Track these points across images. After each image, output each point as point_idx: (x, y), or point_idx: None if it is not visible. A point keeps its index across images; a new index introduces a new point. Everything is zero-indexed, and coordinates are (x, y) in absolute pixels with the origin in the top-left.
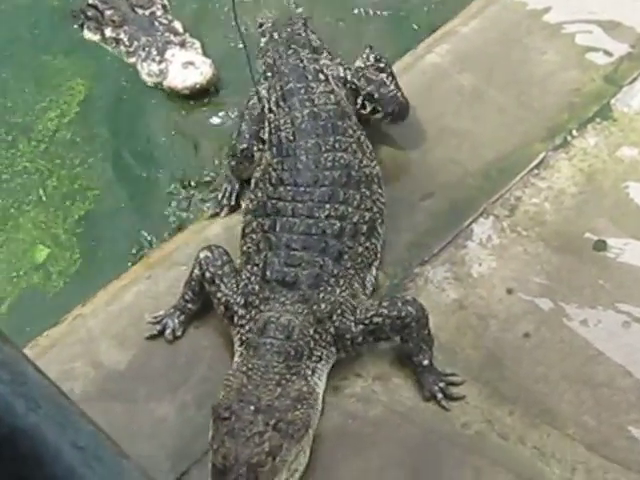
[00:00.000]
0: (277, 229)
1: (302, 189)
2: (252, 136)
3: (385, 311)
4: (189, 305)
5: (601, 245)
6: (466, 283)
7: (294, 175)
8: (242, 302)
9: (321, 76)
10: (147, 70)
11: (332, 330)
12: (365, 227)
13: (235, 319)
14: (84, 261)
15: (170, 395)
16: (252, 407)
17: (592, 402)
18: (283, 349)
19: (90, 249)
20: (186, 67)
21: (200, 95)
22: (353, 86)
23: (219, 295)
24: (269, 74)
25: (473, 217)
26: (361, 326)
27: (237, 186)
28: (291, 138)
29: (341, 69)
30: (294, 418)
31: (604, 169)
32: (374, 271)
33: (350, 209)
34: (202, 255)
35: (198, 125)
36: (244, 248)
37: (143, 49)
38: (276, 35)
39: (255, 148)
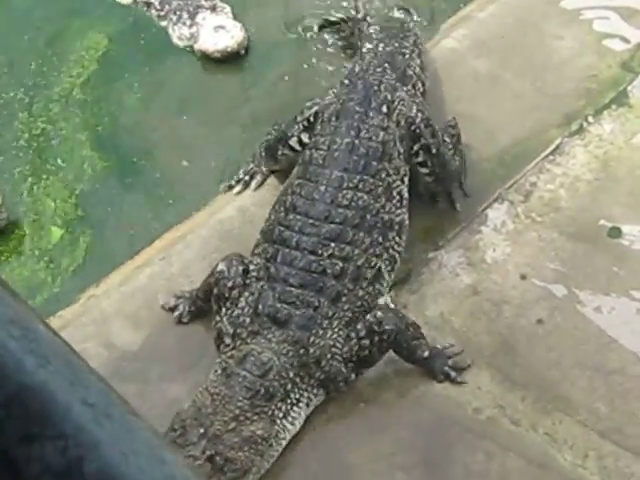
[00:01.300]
0: (278, 260)
1: (311, 222)
2: (280, 139)
3: (367, 342)
4: (199, 302)
5: (615, 232)
6: (480, 268)
7: (308, 205)
8: (231, 332)
9: (384, 108)
10: (178, 34)
11: (320, 375)
12: (369, 272)
13: (221, 347)
14: (100, 238)
15: (182, 376)
16: (201, 430)
17: (605, 389)
18: (253, 386)
19: (107, 224)
20: (217, 31)
21: (230, 58)
22: (417, 130)
23: (217, 319)
24: (346, 81)
25: (488, 202)
26: (351, 364)
27: (263, 169)
28: (320, 162)
29: (414, 109)
30: (235, 457)
31: (619, 156)
32: None
33: (357, 251)
34: (219, 267)
35: (228, 88)
36: (251, 267)
37: (174, 13)
38: (381, 47)
39: (279, 152)
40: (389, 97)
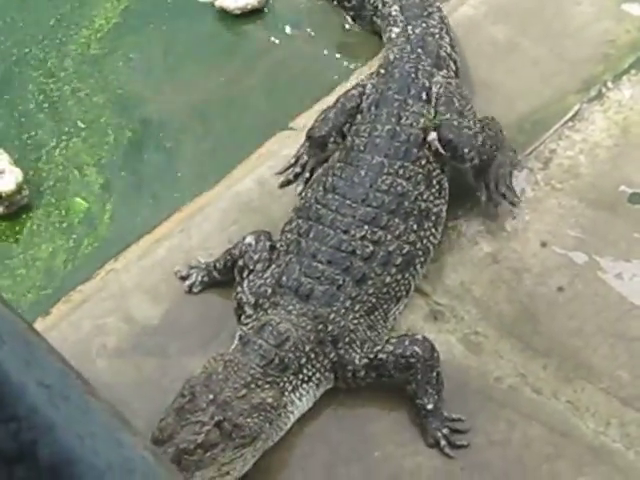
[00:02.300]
0: (310, 235)
1: (348, 202)
2: (334, 127)
3: (391, 347)
4: (214, 273)
5: (636, 198)
6: (500, 237)
7: (347, 186)
8: (252, 302)
9: (423, 95)
10: None
11: (333, 356)
12: (400, 259)
13: (242, 318)
14: (124, 208)
15: (202, 350)
16: (211, 396)
17: (626, 356)
18: (268, 355)
19: (129, 194)
20: None
21: (251, 15)
22: (440, 108)
23: (238, 289)
24: (382, 71)
25: None
26: (365, 360)
27: (313, 161)
28: (362, 149)
29: (443, 89)
30: (243, 424)
31: (639, 121)
32: (402, 306)
33: (389, 236)
34: (246, 240)
35: (248, 45)
36: (278, 245)
37: None
38: (410, 29)
39: (332, 139)
40: (427, 84)
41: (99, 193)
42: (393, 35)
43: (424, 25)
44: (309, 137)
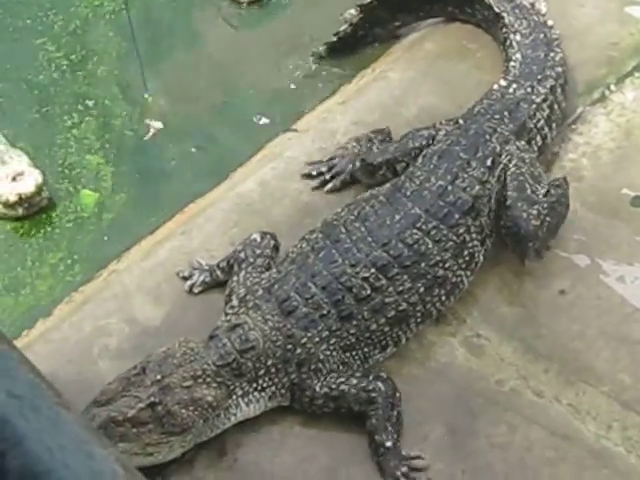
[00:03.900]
0: (320, 255)
1: (369, 240)
2: (388, 161)
3: (354, 381)
4: (218, 272)
5: (639, 201)
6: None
7: (376, 224)
8: (241, 294)
9: (489, 162)
10: None
11: (294, 377)
12: (393, 313)
13: (226, 307)
14: (134, 202)
15: None
16: (158, 376)
17: (628, 359)
18: (227, 357)
19: (137, 186)
20: None
21: (257, 4)
22: (505, 181)
23: (234, 278)
24: (460, 121)
25: None
26: (325, 389)
27: (348, 168)
28: (407, 194)
29: (514, 162)
30: (177, 413)
31: None
32: (388, 354)
33: (390, 289)
34: (253, 236)
35: (251, 31)
36: (291, 249)
37: None
38: (512, 89)
39: (381, 172)
40: (497, 150)
41: (110, 181)
42: (495, 87)
43: (529, 90)
44: (362, 160)
